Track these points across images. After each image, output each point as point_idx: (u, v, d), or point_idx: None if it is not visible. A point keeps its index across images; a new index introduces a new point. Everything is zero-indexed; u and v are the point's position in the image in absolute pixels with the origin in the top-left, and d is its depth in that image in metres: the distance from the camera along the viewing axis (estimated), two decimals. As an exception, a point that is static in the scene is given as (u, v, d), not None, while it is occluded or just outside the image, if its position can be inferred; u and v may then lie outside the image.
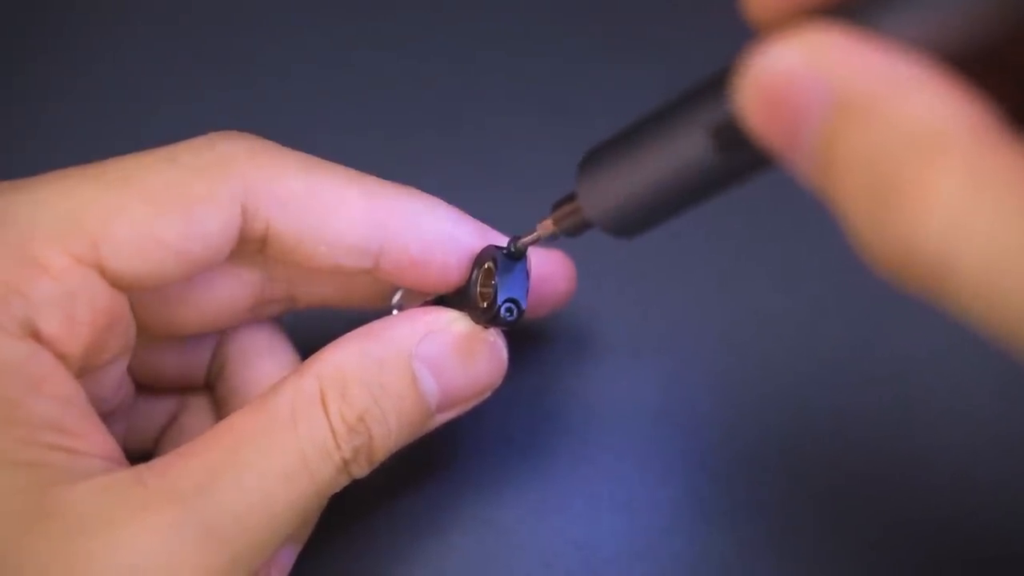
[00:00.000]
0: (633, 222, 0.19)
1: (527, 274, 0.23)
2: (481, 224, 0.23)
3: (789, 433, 0.30)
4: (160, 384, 0.26)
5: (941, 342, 0.30)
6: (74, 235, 0.20)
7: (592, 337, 0.31)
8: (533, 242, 0.22)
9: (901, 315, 0.31)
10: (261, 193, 0.21)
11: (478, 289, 0.23)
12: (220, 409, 0.26)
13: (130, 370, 0.24)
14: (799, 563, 0.28)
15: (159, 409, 0.26)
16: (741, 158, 0.17)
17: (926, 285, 0.13)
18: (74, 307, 0.20)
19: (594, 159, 0.20)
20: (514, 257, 0.23)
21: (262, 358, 0.25)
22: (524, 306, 0.23)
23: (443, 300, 0.24)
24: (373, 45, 0.36)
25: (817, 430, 0.30)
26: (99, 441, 0.20)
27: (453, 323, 0.22)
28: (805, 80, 0.14)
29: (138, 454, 0.26)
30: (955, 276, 0.13)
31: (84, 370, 0.21)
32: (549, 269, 0.27)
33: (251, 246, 0.22)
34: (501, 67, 0.36)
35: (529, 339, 0.31)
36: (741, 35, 0.40)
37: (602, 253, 0.32)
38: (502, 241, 0.24)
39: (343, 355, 0.21)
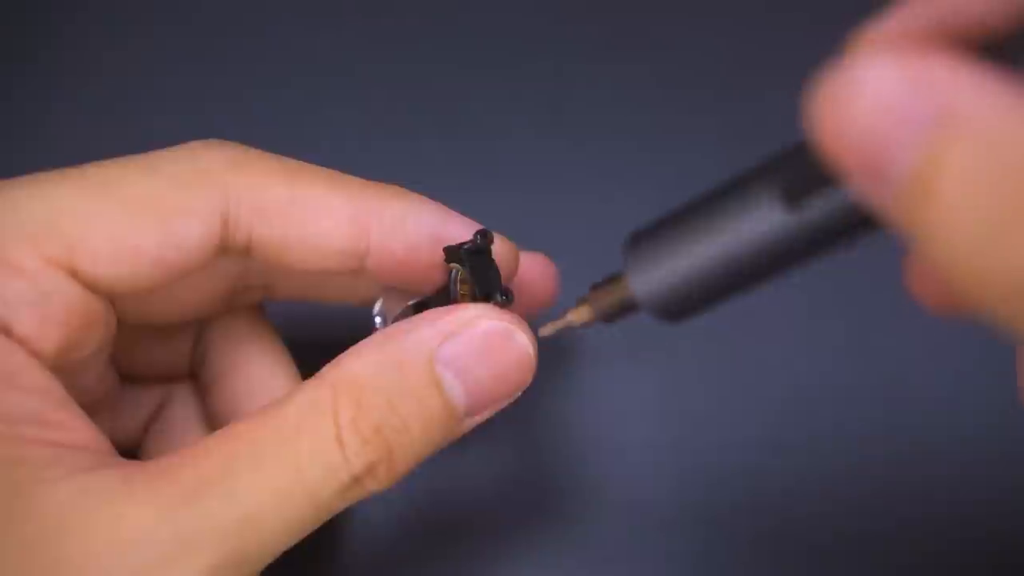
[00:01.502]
0: (690, 303, 0.18)
1: (496, 267, 0.23)
2: (467, 219, 0.23)
3: (789, 433, 0.30)
4: (144, 374, 0.26)
5: (942, 341, 0.30)
6: (49, 238, 0.20)
7: (590, 338, 0.31)
8: (561, 329, 0.22)
9: (901, 316, 0.31)
10: (243, 203, 0.21)
11: (458, 289, 0.23)
12: (205, 396, 0.26)
13: (113, 361, 0.24)
14: (799, 563, 0.28)
15: (145, 399, 0.26)
16: (815, 217, 0.15)
17: None
18: (47, 308, 0.20)
19: (647, 238, 0.18)
20: (480, 251, 0.22)
21: (244, 343, 0.25)
22: (500, 297, 0.22)
23: (425, 302, 0.24)
24: (372, 44, 0.36)
25: (817, 430, 0.30)
26: (82, 432, 0.20)
27: (477, 320, 0.21)
28: (903, 96, 0.12)
29: (126, 445, 0.26)
30: None
31: (60, 367, 0.21)
32: (531, 272, 0.26)
33: (233, 253, 0.22)
34: (501, 67, 0.36)
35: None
36: (741, 35, 0.40)
37: (600, 257, 0.32)
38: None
39: (361, 362, 0.20)
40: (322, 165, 0.24)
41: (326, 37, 0.36)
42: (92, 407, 0.24)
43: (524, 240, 0.25)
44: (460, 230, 0.23)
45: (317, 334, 0.25)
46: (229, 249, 0.22)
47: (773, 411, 0.30)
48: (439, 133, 0.35)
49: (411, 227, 0.22)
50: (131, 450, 0.26)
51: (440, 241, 0.23)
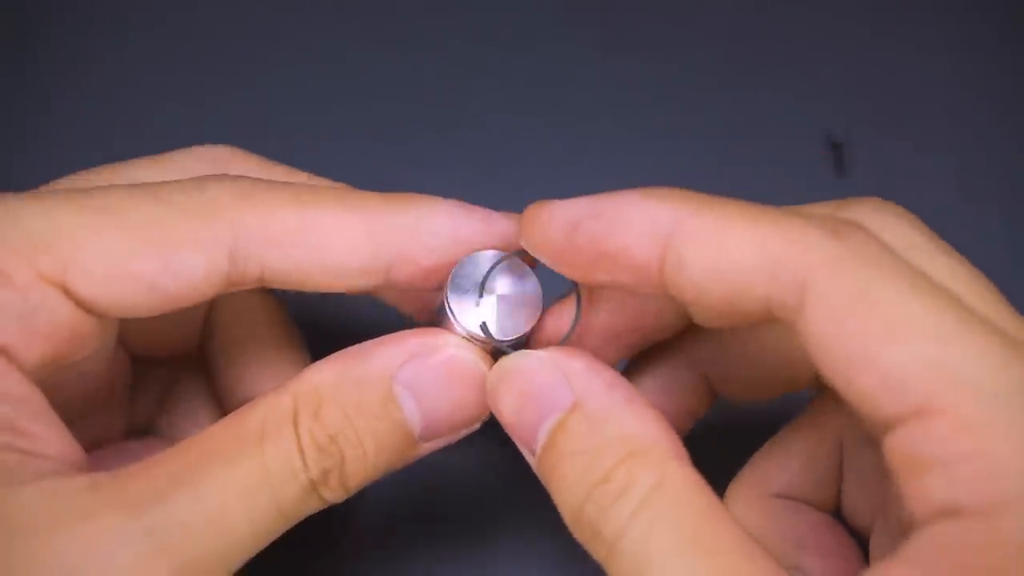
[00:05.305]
0: None
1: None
2: (487, 212, 0.23)
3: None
4: (156, 354, 0.26)
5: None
6: (43, 253, 0.20)
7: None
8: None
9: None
10: (253, 236, 0.21)
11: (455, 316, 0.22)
12: (212, 373, 0.26)
13: (125, 344, 0.24)
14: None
15: (158, 379, 0.27)
16: None
17: (600, 559, 0.18)
18: (33, 321, 0.20)
19: None
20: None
21: (251, 320, 0.25)
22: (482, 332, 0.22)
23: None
24: (373, 45, 0.37)
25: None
26: (55, 443, 0.20)
27: (442, 348, 0.21)
28: (550, 377, 0.20)
29: (142, 423, 0.27)
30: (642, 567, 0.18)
31: (44, 376, 0.21)
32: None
33: (244, 286, 0.22)
34: (501, 67, 0.36)
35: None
36: (740, 35, 0.40)
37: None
38: (503, 224, 0.23)
39: (323, 374, 0.21)
40: (324, 163, 0.23)
41: (327, 35, 0.37)
42: (106, 390, 0.24)
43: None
44: (479, 223, 0.23)
45: (328, 310, 0.25)
46: (238, 283, 0.22)
47: (773, 408, 0.30)
48: (439, 133, 0.35)
49: (428, 230, 0.22)
50: (147, 428, 0.27)
51: (460, 238, 0.22)
